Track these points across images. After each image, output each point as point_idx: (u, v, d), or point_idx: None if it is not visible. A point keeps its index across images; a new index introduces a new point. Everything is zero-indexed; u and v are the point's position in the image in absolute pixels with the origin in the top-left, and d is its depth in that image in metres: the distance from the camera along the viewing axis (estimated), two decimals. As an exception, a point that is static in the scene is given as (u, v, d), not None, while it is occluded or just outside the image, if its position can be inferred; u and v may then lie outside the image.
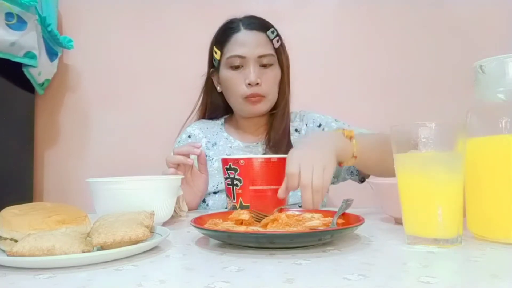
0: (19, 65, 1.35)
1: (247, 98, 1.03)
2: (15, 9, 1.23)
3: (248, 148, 1.10)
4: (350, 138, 0.78)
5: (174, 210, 0.77)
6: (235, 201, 0.79)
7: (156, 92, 1.60)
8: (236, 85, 1.04)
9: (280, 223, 0.57)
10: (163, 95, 1.59)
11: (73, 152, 1.60)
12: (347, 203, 0.63)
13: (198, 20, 1.58)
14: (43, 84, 1.50)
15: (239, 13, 1.10)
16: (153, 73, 1.60)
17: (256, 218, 0.62)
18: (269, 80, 1.05)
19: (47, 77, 1.49)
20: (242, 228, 0.56)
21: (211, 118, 1.20)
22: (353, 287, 0.35)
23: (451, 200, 0.50)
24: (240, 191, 0.78)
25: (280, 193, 0.71)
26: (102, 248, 0.47)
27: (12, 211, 0.51)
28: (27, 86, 1.47)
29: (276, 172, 0.77)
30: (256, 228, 0.57)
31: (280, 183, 0.77)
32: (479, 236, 0.54)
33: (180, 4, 1.61)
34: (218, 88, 1.12)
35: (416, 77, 1.54)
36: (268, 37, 1.06)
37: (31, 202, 0.57)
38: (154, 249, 0.51)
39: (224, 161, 0.80)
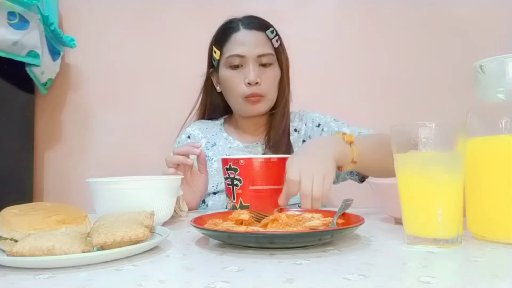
0: (20, 65, 1.35)
1: (247, 97, 1.03)
2: (17, 8, 1.24)
3: (247, 148, 1.10)
4: (350, 143, 0.79)
5: (174, 210, 0.77)
6: (235, 201, 0.79)
7: (156, 92, 1.60)
8: (235, 84, 1.04)
9: (280, 223, 0.57)
10: (163, 95, 1.59)
11: (73, 152, 1.60)
12: (347, 203, 0.63)
13: (198, 20, 1.58)
14: (46, 83, 1.50)
15: (239, 13, 1.10)
16: (153, 73, 1.60)
17: (256, 218, 0.62)
18: (269, 80, 1.05)
19: (50, 76, 1.49)
20: (242, 228, 0.56)
21: (211, 118, 1.20)
22: (353, 287, 0.35)
23: (451, 200, 0.50)
24: (240, 191, 0.78)
25: (281, 200, 0.71)
26: (102, 248, 0.47)
27: (12, 211, 0.51)
28: (27, 86, 1.47)
29: (276, 172, 0.77)
30: (256, 228, 0.57)
31: (280, 183, 0.77)
32: (479, 236, 0.54)
33: (180, 4, 1.61)
34: (218, 88, 1.13)
35: (416, 77, 1.54)
36: (268, 36, 1.06)
37: (31, 202, 0.57)
38: (154, 249, 0.51)
39: (224, 161, 0.80)
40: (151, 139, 1.56)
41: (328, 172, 0.70)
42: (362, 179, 1.03)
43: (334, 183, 1.08)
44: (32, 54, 1.32)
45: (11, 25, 1.23)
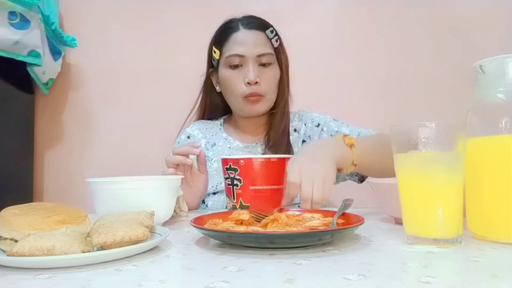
0: (20, 65, 1.35)
1: (246, 97, 1.03)
2: (18, 8, 1.24)
3: (247, 148, 1.10)
4: (351, 145, 0.79)
5: (174, 210, 0.77)
6: (235, 201, 0.79)
7: (156, 92, 1.60)
8: (235, 84, 1.04)
9: (280, 223, 0.57)
10: (163, 95, 1.59)
11: (73, 152, 1.60)
12: (347, 203, 0.63)
13: (198, 20, 1.58)
14: (47, 83, 1.50)
15: (239, 13, 1.10)
16: (153, 73, 1.60)
17: (256, 218, 0.62)
18: (268, 79, 1.05)
19: (52, 76, 1.49)
20: (242, 228, 0.56)
21: (210, 118, 1.20)
22: (353, 287, 0.35)
23: (451, 200, 0.50)
24: (240, 191, 0.78)
25: (284, 203, 0.72)
26: (102, 248, 0.47)
27: (12, 211, 0.51)
28: (27, 86, 1.47)
29: (276, 172, 0.77)
30: (256, 228, 0.57)
31: (280, 183, 0.77)
32: (479, 236, 0.54)
33: (180, 4, 1.61)
34: (217, 88, 1.12)
35: (416, 77, 1.54)
36: (267, 36, 1.06)
37: (31, 202, 0.57)
38: (154, 249, 0.51)
39: (224, 161, 0.80)
40: (151, 139, 1.56)
41: (329, 175, 0.71)
42: (361, 179, 1.03)
43: (333, 184, 1.08)
44: (33, 53, 1.32)
45: (12, 24, 1.23)
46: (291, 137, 1.09)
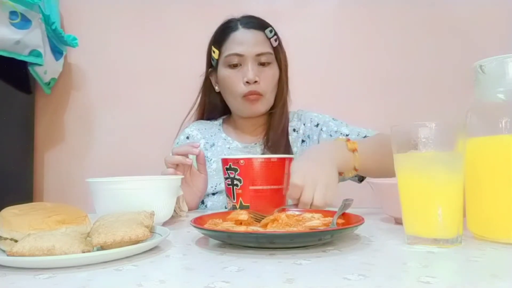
0: (20, 65, 1.35)
1: (245, 96, 1.03)
2: (19, 8, 1.24)
3: (246, 148, 1.10)
4: (353, 150, 0.79)
5: (174, 210, 0.77)
6: (235, 201, 0.79)
7: (156, 92, 1.60)
8: (234, 83, 1.04)
9: (280, 223, 0.57)
10: (163, 95, 1.59)
11: (73, 152, 1.60)
12: (347, 203, 0.63)
13: (199, 20, 1.58)
14: (49, 83, 1.50)
15: (239, 13, 1.10)
16: (154, 73, 1.60)
17: (255, 219, 0.62)
18: (267, 79, 1.05)
19: (53, 76, 1.49)
20: (242, 228, 0.56)
21: (209, 118, 1.20)
22: (353, 287, 0.35)
23: (451, 200, 0.50)
24: (240, 191, 0.78)
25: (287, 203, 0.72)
26: (102, 248, 0.47)
27: (12, 211, 0.51)
28: (27, 86, 1.47)
29: (276, 172, 0.77)
30: (256, 228, 0.57)
31: (280, 183, 0.77)
32: (479, 236, 0.54)
33: (181, 4, 1.61)
34: (216, 88, 1.12)
35: (416, 77, 1.54)
36: (266, 35, 1.06)
37: (31, 202, 0.57)
38: (154, 249, 0.51)
39: (224, 161, 0.80)
40: (152, 139, 1.56)
41: (332, 181, 0.72)
42: (361, 179, 1.03)
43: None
44: (35, 53, 1.32)
45: (13, 24, 1.24)
46: (290, 137, 1.09)
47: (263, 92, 1.04)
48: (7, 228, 0.48)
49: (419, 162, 0.51)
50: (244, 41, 1.03)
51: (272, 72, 1.06)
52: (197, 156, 0.88)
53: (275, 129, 1.07)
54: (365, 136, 1.02)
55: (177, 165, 0.85)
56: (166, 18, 1.61)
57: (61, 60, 1.50)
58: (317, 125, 1.10)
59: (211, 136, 1.14)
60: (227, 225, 0.57)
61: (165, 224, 0.71)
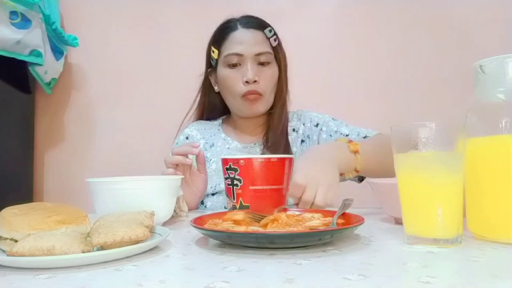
0: (20, 65, 1.35)
1: (245, 96, 1.03)
2: (19, 8, 1.24)
3: (245, 149, 1.10)
4: (355, 152, 0.80)
5: (174, 210, 0.77)
6: (235, 201, 0.79)
7: (157, 92, 1.60)
8: (233, 82, 1.04)
9: (280, 223, 0.57)
10: (164, 95, 1.59)
11: (73, 152, 1.60)
12: (347, 203, 0.63)
13: (199, 20, 1.57)
14: (50, 83, 1.50)
15: (239, 13, 1.10)
16: (154, 73, 1.60)
17: (254, 219, 0.62)
18: (267, 78, 1.05)
19: (54, 76, 1.49)
20: (242, 228, 0.56)
21: (209, 118, 1.20)
22: (353, 287, 0.35)
23: (451, 200, 0.50)
24: (240, 191, 0.78)
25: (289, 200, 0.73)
26: (102, 248, 0.47)
27: (12, 211, 0.51)
28: (27, 86, 1.47)
29: (276, 172, 0.77)
30: (256, 228, 0.57)
31: (280, 183, 0.77)
32: (479, 236, 0.54)
33: (181, 4, 1.61)
34: (216, 88, 1.12)
35: (416, 77, 1.54)
36: (266, 35, 1.06)
37: (31, 202, 0.57)
38: (154, 249, 0.51)
39: (224, 161, 0.80)
40: (152, 139, 1.56)
41: (334, 182, 0.72)
42: (361, 179, 1.03)
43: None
44: (35, 53, 1.32)
45: (13, 24, 1.24)
46: (289, 137, 1.09)
47: (263, 91, 1.04)
48: (7, 228, 0.48)
49: (419, 162, 0.51)
50: (243, 41, 1.03)
51: (271, 71, 1.06)
52: (197, 156, 0.88)
53: (275, 129, 1.07)
54: (365, 136, 1.02)
55: (177, 165, 0.85)
56: (166, 18, 1.61)
57: (62, 60, 1.50)
58: (317, 125, 1.09)
59: (211, 136, 1.14)
60: (227, 225, 0.57)
61: (165, 224, 0.71)
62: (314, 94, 1.49)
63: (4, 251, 0.48)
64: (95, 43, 1.61)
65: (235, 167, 0.78)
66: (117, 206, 0.61)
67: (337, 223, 0.56)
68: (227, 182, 0.80)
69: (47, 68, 1.42)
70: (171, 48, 1.60)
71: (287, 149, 1.05)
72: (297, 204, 0.71)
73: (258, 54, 1.03)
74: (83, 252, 0.44)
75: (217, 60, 1.08)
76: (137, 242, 0.48)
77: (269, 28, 1.06)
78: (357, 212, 0.59)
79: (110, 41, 1.62)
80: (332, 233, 0.49)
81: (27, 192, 1.50)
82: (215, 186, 1.03)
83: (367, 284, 0.36)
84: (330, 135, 1.07)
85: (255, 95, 1.03)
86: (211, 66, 1.12)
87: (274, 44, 1.07)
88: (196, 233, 0.61)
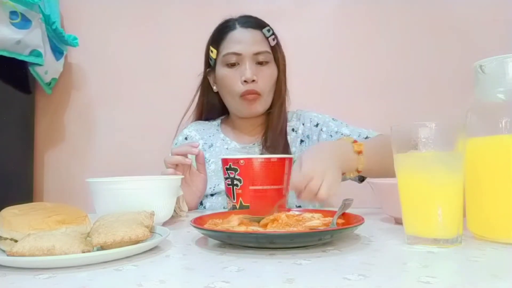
0: (20, 65, 1.35)
1: (243, 96, 1.03)
2: (19, 8, 1.24)
3: (244, 149, 1.10)
4: (359, 152, 0.80)
5: (174, 210, 0.77)
6: (235, 201, 0.79)
7: (157, 92, 1.60)
8: (232, 82, 1.04)
9: (280, 223, 0.57)
10: (164, 95, 1.59)
11: (73, 152, 1.60)
12: (347, 203, 0.63)
13: (199, 20, 1.57)
14: (50, 83, 1.50)
15: (239, 13, 1.10)
16: (154, 73, 1.60)
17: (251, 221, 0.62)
18: (265, 78, 1.05)
19: (54, 76, 1.49)
20: (242, 228, 0.56)
21: (208, 119, 1.20)
22: (353, 287, 0.35)
23: (451, 200, 0.50)
24: (240, 191, 0.78)
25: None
26: (102, 248, 0.47)
27: (12, 211, 0.51)
28: (27, 86, 1.47)
29: (276, 172, 0.77)
30: (256, 228, 0.57)
31: (280, 183, 0.77)
32: (479, 236, 0.54)
33: (180, 4, 1.61)
34: (214, 87, 1.12)
35: (416, 77, 1.54)
36: (264, 35, 1.06)
37: (31, 202, 0.57)
38: (154, 249, 0.51)
39: (224, 161, 0.80)
40: (152, 139, 1.56)
41: (338, 178, 0.73)
42: (361, 179, 1.03)
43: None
44: (35, 53, 1.32)
45: (13, 24, 1.24)
46: (289, 137, 1.08)
47: (261, 91, 1.04)
48: (7, 228, 0.48)
49: (419, 162, 0.51)
50: (242, 40, 1.03)
51: (270, 71, 1.06)
52: (196, 156, 0.88)
53: (274, 129, 1.06)
54: (366, 137, 1.02)
55: (177, 165, 0.85)
56: (166, 18, 1.61)
57: (62, 60, 1.50)
58: (316, 125, 1.09)
59: (210, 136, 1.14)
60: (227, 225, 0.57)
61: (165, 224, 0.71)
62: (314, 94, 1.49)
63: (4, 251, 0.48)
64: (95, 43, 1.61)
65: (235, 167, 0.78)
66: (117, 206, 0.61)
67: (337, 223, 0.56)
68: (227, 182, 0.80)
69: (47, 68, 1.42)
70: (171, 48, 1.60)
71: (286, 149, 1.05)
72: (298, 197, 0.71)
73: (257, 54, 1.03)
74: (83, 252, 0.44)
75: (215, 59, 1.08)
76: (137, 242, 0.48)
77: (267, 28, 1.06)
78: (357, 212, 0.59)
79: (110, 41, 1.62)
80: (332, 233, 0.49)
81: (27, 192, 1.50)
82: (214, 187, 1.03)
83: (367, 284, 0.36)
84: (331, 136, 1.06)
85: (254, 94, 1.03)
86: (209, 66, 1.12)
87: (273, 43, 1.07)
88: (196, 233, 0.61)
